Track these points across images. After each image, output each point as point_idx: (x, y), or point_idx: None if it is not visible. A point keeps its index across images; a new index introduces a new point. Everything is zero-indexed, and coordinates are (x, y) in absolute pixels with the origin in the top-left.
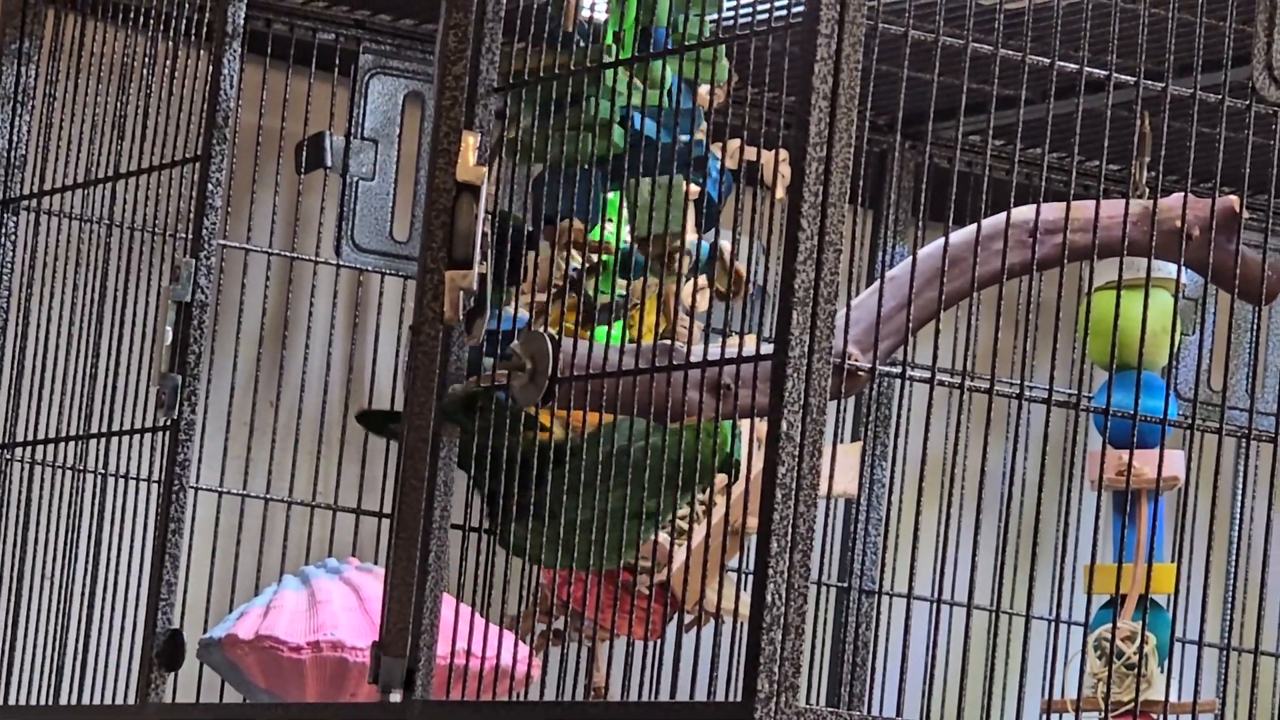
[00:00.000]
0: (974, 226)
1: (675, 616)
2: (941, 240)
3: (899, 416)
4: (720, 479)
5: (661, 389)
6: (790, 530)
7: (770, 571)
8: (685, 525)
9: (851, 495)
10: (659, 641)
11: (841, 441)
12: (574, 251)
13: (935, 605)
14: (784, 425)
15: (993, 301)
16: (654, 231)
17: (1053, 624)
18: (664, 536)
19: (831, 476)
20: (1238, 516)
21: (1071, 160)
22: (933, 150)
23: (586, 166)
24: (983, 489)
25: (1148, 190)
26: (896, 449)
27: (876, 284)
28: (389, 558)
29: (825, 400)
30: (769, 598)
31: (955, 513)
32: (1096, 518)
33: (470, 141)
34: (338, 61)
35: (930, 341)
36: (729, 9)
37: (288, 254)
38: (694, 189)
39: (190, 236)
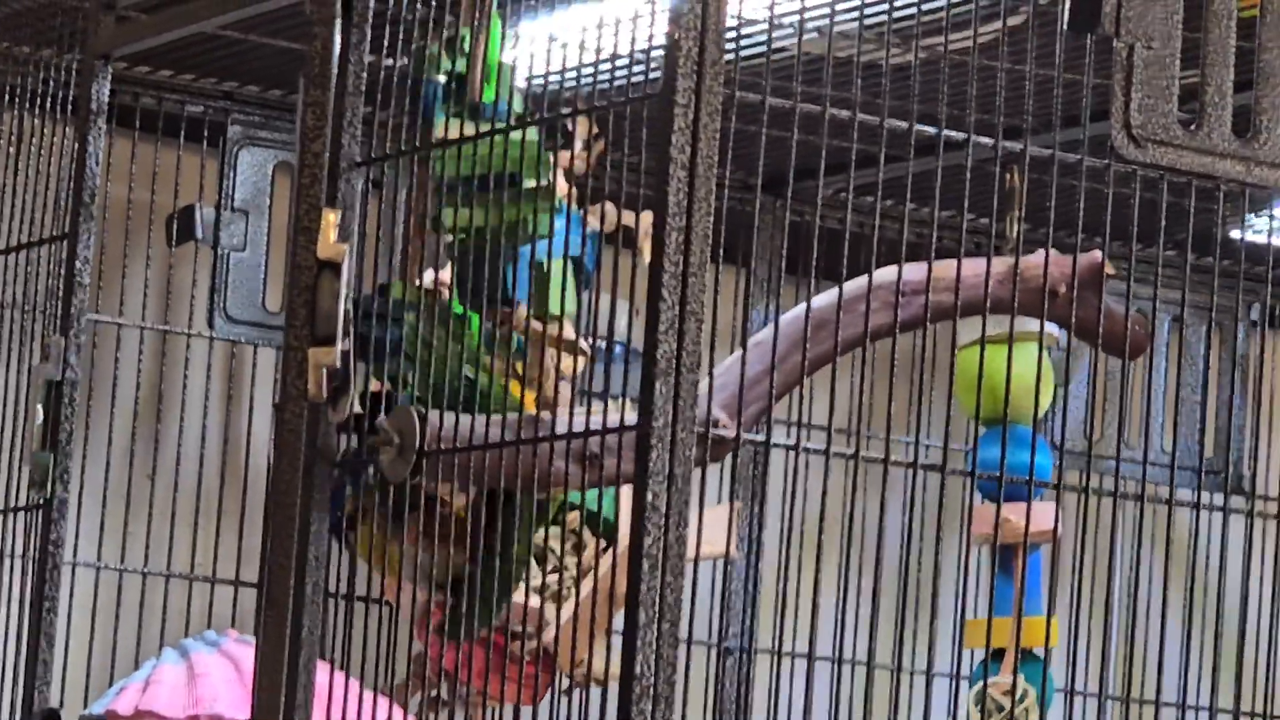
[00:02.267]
0: (835, 291)
1: (553, 681)
2: (804, 306)
3: (788, 477)
4: (593, 543)
5: (530, 461)
6: (658, 600)
7: (638, 642)
8: (562, 589)
9: (720, 556)
10: (536, 708)
11: (721, 502)
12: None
13: (809, 662)
14: (649, 495)
15: (872, 360)
16: (550, 310)
17: (926, 677)
18: (537, 600)
19: (699, 539)
20: (1116, 569)
21: (933, 216)
22: (799, 207)
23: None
24: (862, 547)
25: (1012, 242)
26: (776, 508)
27: (740, 351)
28: (258, 633)
29: (690, 469)
30: (638, 668)
31: (836, 571)
32: (976, 572)
33: (331, 219)
34: (206, 133)
35: (813, 400)
36: (588, 72)
37: (160, 327)
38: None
39: (59, 314)
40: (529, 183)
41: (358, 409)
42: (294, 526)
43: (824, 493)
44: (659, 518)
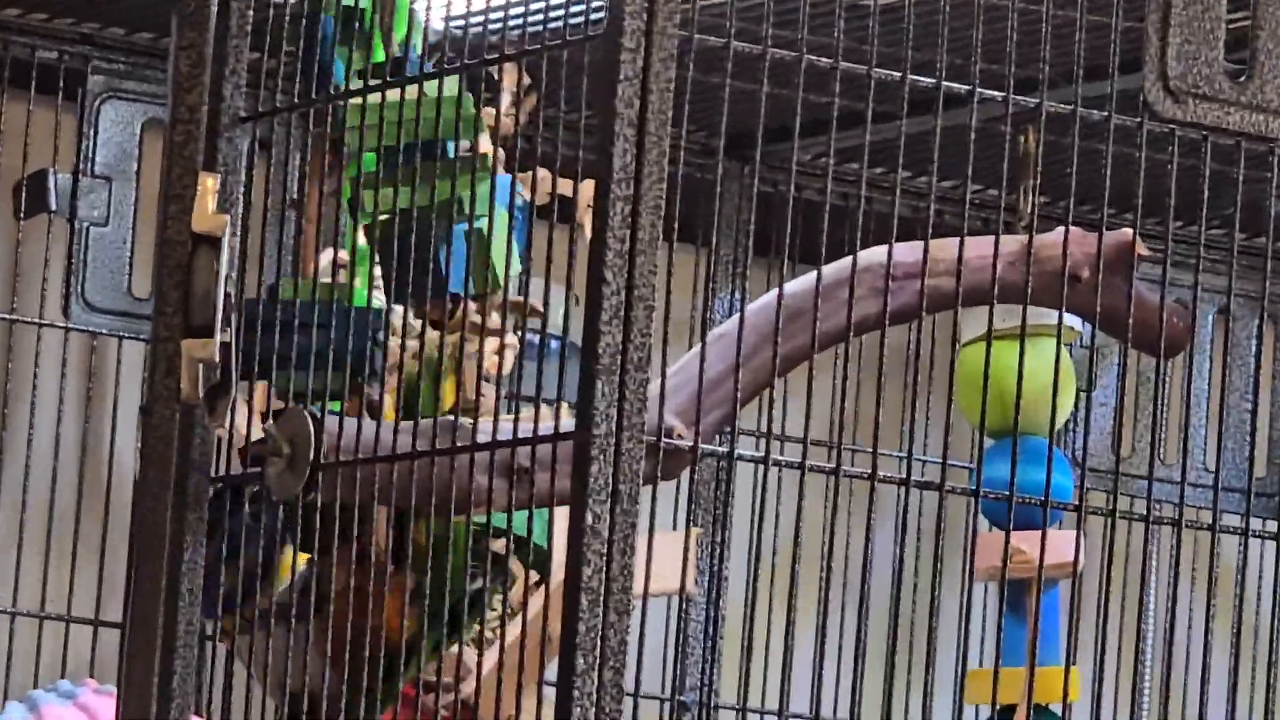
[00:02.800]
0: (813, 275)
1: None
2: (775, 293)
3: (756, 497)
4: (523, 576)
5: (446, 475)
6: (599, 643)
7: (575, 693)
8: (488, 632)
9: (674, 592)
10: None
11: (677, 527)
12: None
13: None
14: (589, 518)
15: (857, 357)
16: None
17: None
18: (454, 649)
19: (648, 572)
20: (1149, 608)
21: (931, 186)
22: (771, 175)
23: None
24: (845, 582)
25: (1026, 217)
26: (742, 534)
27: (699, 346)
28: (120, 684)
29: (638, 487)
30: None
31: (813, 611)
32: (982, 613)
33: (209, 185)
34: (62, 84)
35: (786, 405)
36: (516, 16)
37: (5, 316)
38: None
39: None
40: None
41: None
42: (162, 554)
43: (798, 516)
44: (600, 545)
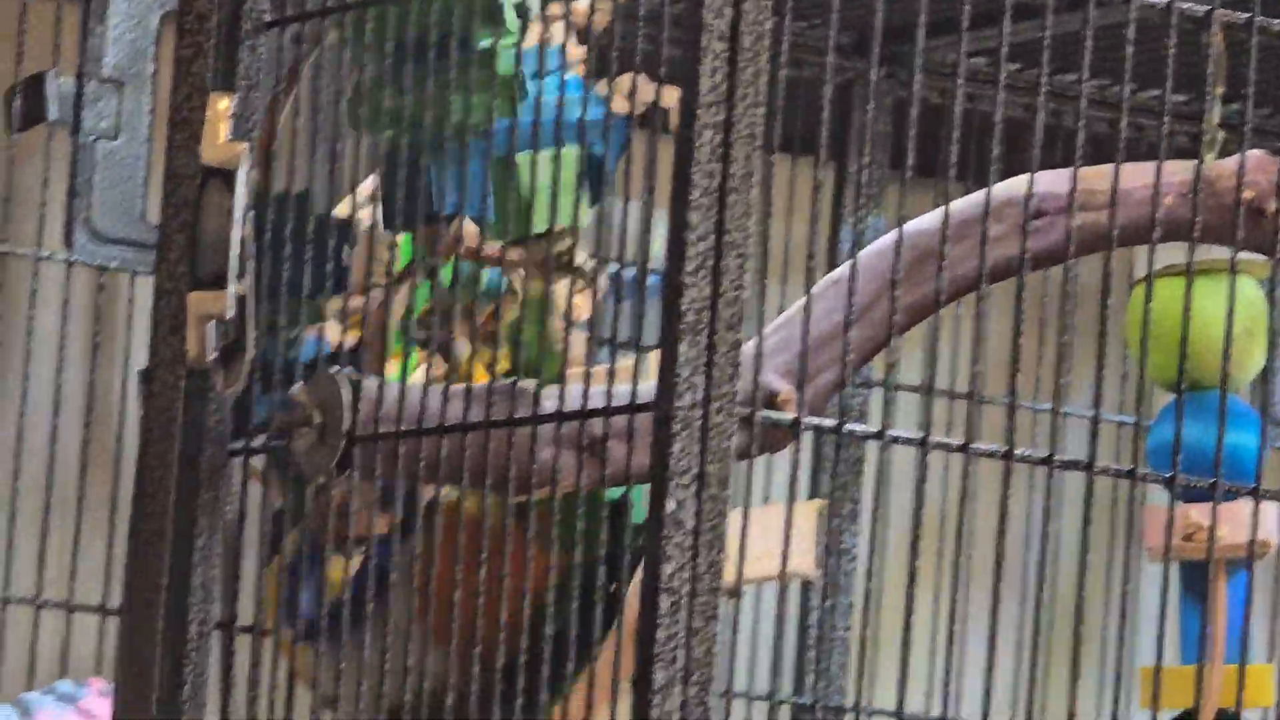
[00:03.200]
0: (942, 211)
1: None
2: (896, 233)
3: (874, 474)
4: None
5: (503, 449)
6: (684, 653)
7: (654, 713)
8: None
9: (809, 576)
10: None
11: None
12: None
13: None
14: (670, 505)
15: (1002, 300)
16: (537, 228)
17: None
18: None
19: (789, 550)
20: None
21: (1121, 94)
22: (920, 79)
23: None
24: (1000, 564)
25: (1212, 133)
26: (876, 510)
27: (805, 298)
28: (116, 692)
29: (729, 467)
30: None
31: (959, 598)
32: (1161, 602)
33: (222, 107)
34: None
35: (919, 355)
36: None
37: None
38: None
39: None
40: (482, 41)
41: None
42: (164, 541)
43: (919, 498)
44: (684, 537)
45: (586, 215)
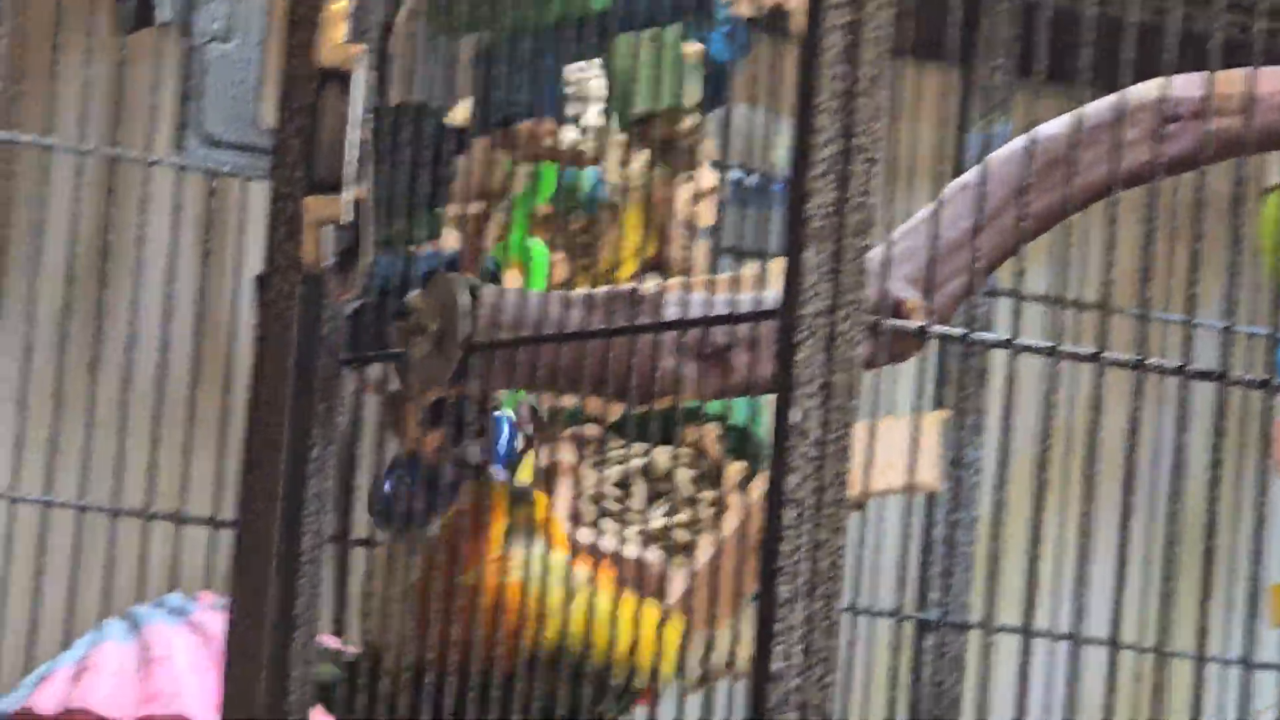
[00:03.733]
0: (1071, 116)
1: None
2: (1026, 138)
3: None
4: (733, 469)
5: (624, 357)
6: (808, 567)
7: (778, 627)
8: (686, 536)
9: (935, 488)
10: (651, 707)
11: (919, 411)
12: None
13: (1056, 643)
14: (795, 415)
15: (1134, 207)
16: (643, 106)
17: (1239, 667)
18: (655, 554)
19: (913, 462)
20: None
21: None
22: None
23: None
24: (1129, 478)
25: None
26: (1003, 421)
27: (934, 204)
28: (231, 605)
29: (857, 376)
30: (775, 665)
31: (1087, 512)
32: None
33: (338, 7)
34: None
35: (1048, 263)
36: None
37: (108, 151)
38: (694, 48)
39: None
40: None
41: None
42: (278, 452)
43: (1047, 407)
44: (809, 448)
45: (696, 93)
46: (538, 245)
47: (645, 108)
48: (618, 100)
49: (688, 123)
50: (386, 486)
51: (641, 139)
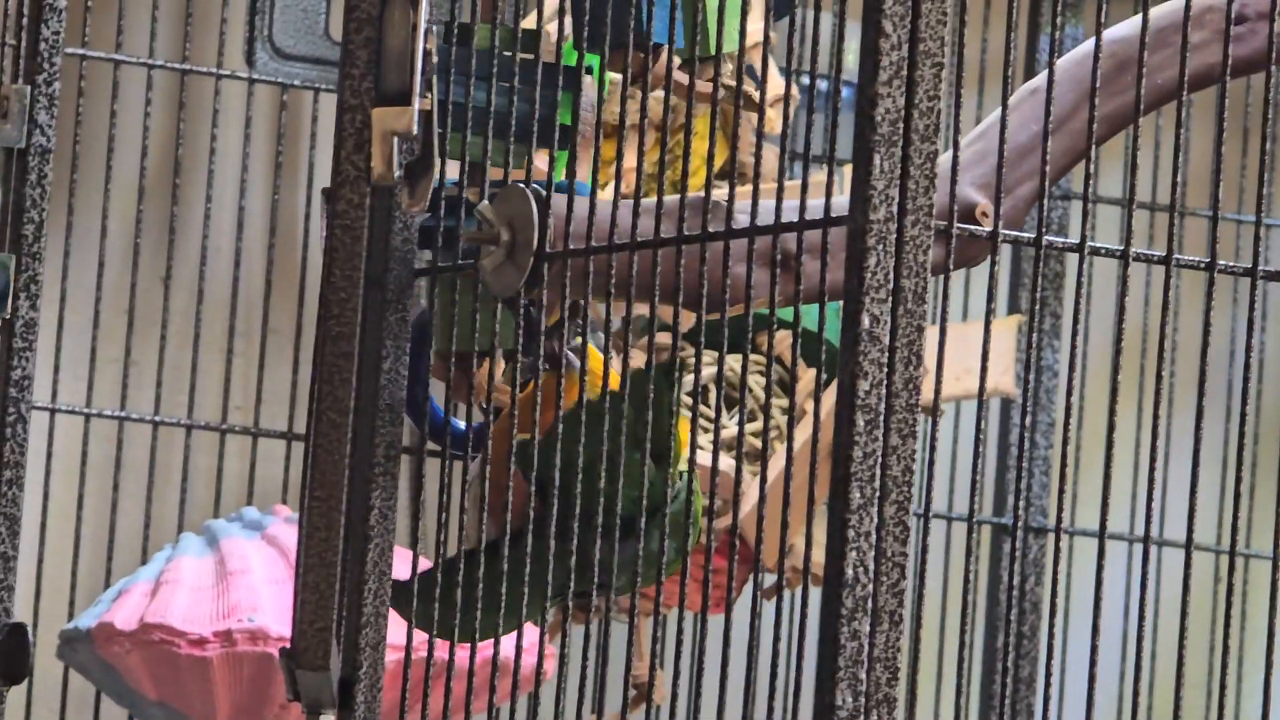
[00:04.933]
0: (1139, 18)
1: (750, 578)
2: (1094, 40)
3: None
4: (806, 376)
5: (695, 265)
6: (880, 472)
7: (850, 533)
8: (765, 443)
9: (1009, 393)
10: (727, 616)
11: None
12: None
13: (1133, 546)
14: (865, 320)
15: (1204, 109)
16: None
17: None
18: (728, 462)
19: (985, 367)
20: None
21: None
22: None
23: None
24: (1202, 380)
25: None
26: (1075, 325)
27: (1000, 109)
28: (302, 518)
29: (926, 281)
30: (848, 571)
31: (1162, 414)
32: None
33: None
34: None
35: (1119, 166)
36: None
37: (177, 66)
38: None
39: (22, 50)
40: None
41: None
42: (350, 363)
43: (1120, 310)
44: (880, 352)
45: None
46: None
47: (732, 48)
48: (704, 39)
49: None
50: (436, 410)
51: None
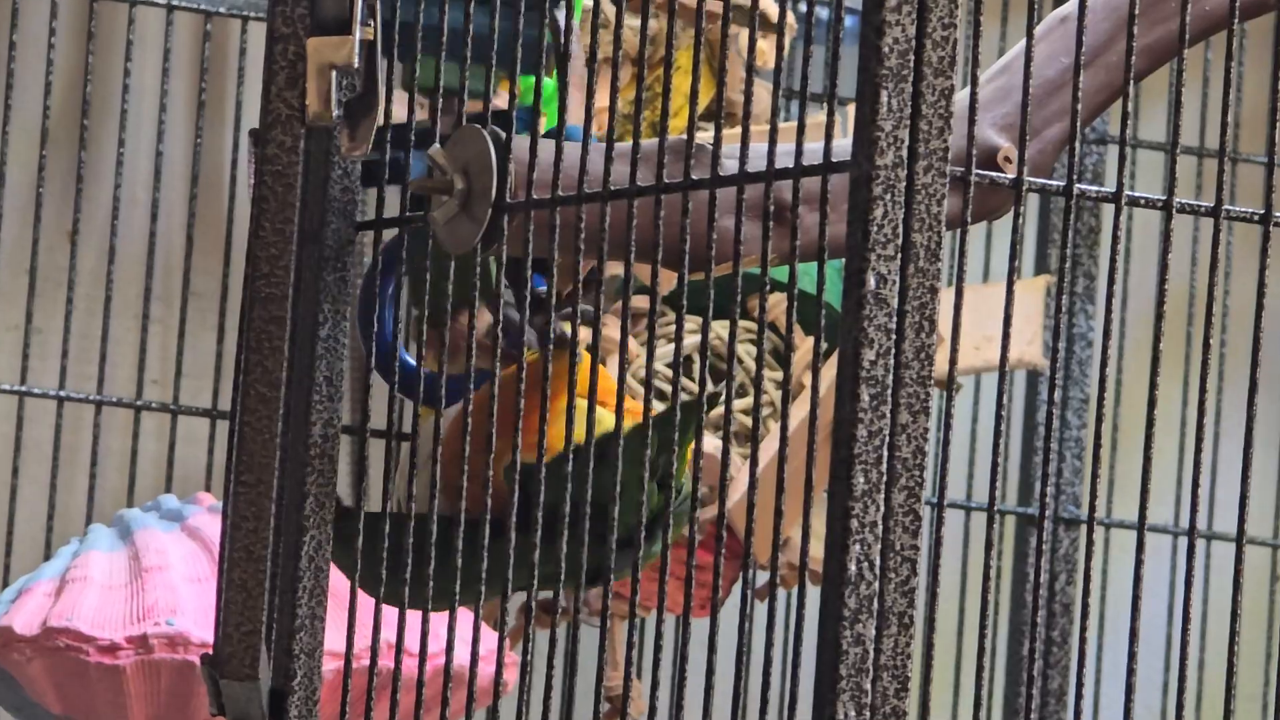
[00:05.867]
0: None
1: (740, 576)
2: None
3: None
4: (804, 349)
5: (674, 218)
6: (888, 454)
7: (853, 524)
8: (756, 422)
9: (1036, 364)
10: (713, 618)
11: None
12: None
13: (1178, 540)
14: (870, 281)
15: (1258, 41)
16: None
17: None
18: (713, 442)
19: (1008, 335)
20: None
21: None
22: None
23: None
24: (1258, 346)
25: None
26: (1111, 286)
27: (1025, 40)
28: (226, 507)
29: (939, 236)
30: (851, 567)
31: (1210, 391)
32: None
33: None
34: None
35: (1161, 105)
36: None
37: None
38: None
39: None
40: None
41: None
42: (282, 329)
43: (1163, 269)
44: (888, 317)
45: None
46: (548, 82)
47: None
48: None
49: None
50: (399, 351)
51: None
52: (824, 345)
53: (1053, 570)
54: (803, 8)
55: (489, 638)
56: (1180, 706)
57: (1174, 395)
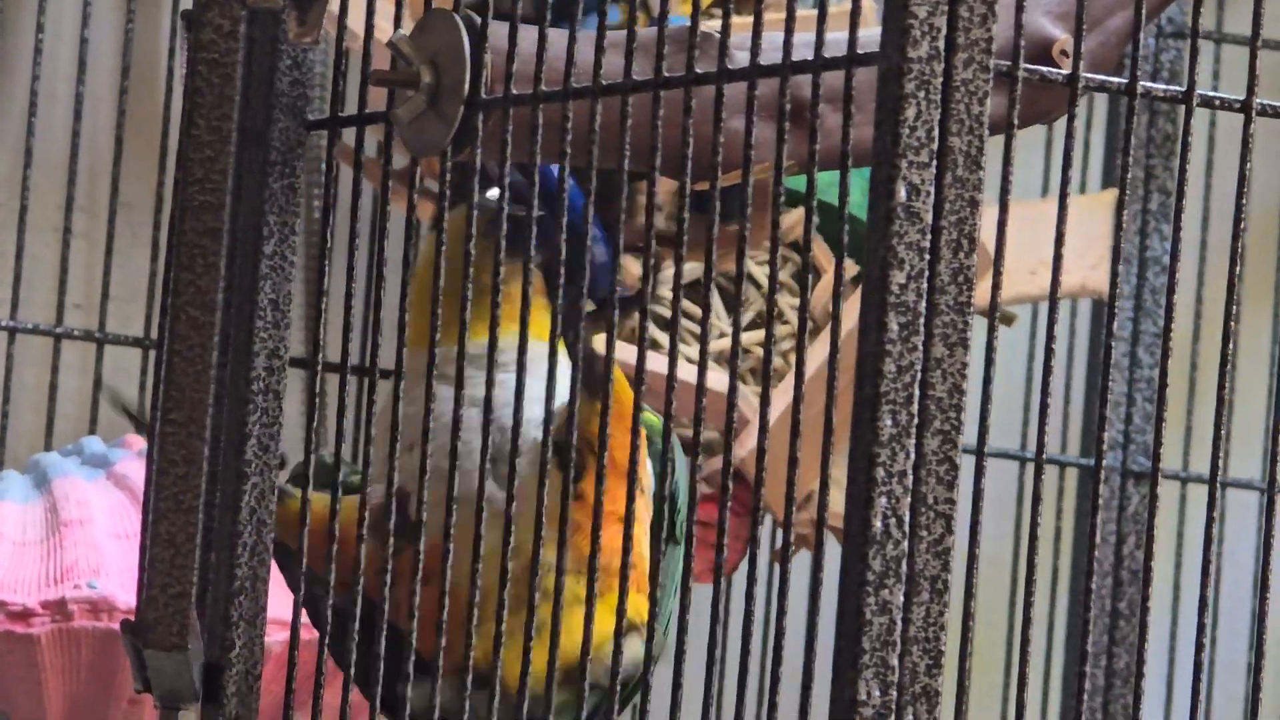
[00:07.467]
0: None
1: (749, 535)
2: None
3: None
4: (824, 284)
5: (677, 118)
6: (920, 393)
7: (880, 473)
8: (768, 359)
9: (1102, 293)
10: (716, 584)
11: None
12: None
13: (1263, 497)
14: (900, 191)
15: None
16: None
17: None
18: (720, 378)
19: (1057, 258)
20: None
21: None
22: None
23: None
24: None
25: None
26: (1178, 202)
27: None
28: (151, 454)
29: (982, 140)
30: (876, 523)
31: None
32: None
33: None
34: None
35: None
36: None
37: None
38: None
39: None
40: None
41: None
42: (219, 244)
43: (1242, 179)
44: (920, 234)
45: None
46: None
47: None
48: None
49: None
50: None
51: None
52: (849, 268)
53: (1120, 531)
54: None
55: None
56: (1256, 689)
57: (1264, 329)
